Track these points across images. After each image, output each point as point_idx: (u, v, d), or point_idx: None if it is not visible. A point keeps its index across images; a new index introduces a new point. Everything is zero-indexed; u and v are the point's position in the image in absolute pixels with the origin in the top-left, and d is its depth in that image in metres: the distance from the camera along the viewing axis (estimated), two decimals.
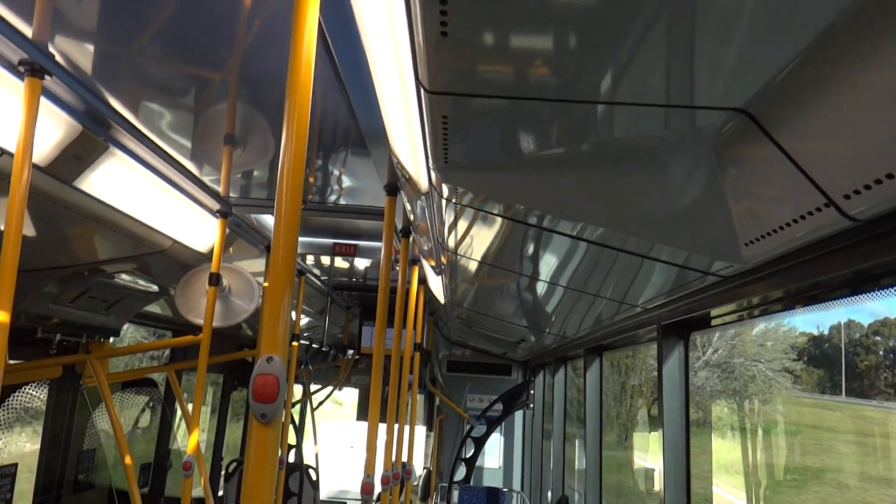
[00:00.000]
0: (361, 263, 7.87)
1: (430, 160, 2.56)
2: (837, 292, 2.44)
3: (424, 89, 1.93)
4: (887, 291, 2.18)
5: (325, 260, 7.68)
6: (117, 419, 5.38)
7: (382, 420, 4.89)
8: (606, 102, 1.94)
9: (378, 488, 4.75)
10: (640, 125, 2.12)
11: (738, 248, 2.45)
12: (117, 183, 3.73)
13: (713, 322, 3.61)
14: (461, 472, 9.81)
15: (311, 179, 4.55)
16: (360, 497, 4.07)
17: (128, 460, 5.26)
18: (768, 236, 2.23)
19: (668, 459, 3.74)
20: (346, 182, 4.61)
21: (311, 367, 9.30)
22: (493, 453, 11.91)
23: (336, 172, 4.42)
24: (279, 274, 1.66)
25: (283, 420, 1.63)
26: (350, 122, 3.28)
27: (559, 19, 1.54)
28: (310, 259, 7.65)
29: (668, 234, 2.68)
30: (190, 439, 4.89)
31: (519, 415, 11.70)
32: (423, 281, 7.14)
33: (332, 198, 4.94)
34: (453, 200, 3.06)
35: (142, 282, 5.53)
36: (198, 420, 4.81)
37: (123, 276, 5.27)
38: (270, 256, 1.70)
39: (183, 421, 8.05)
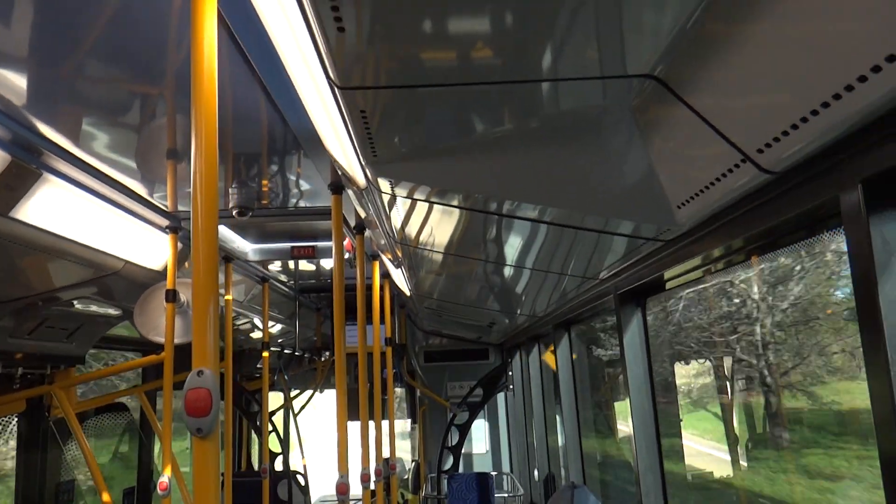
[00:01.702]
0: (327, 264, 7.82)
1: (360, 156, 2.56)
2: (772, 245, 2.47)
3: (336, 86, 1.93)
4: (811, 240, 2.21)
5: (292, 264, 7.64)
6: (87, 448, 5.34)
7: (354, 418, 4.89)
8: (518, 81, 1.95)
9: (358, 487, 4.76)
10: (556, 101, 2.14)
11: (672, 211, 2.47)
12: (56, 209, 3.68)
13: (667, 286, 3.64)
14: (448, 461, 9.82)
15: (264, 186, 4.52)
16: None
17: (103, 491, 5.21)
18: (696, 197, 2.25)
19: (637, 422, 3.78)
20: (296, 185, 4.59)
21: (286, 374, 9.27)
22: (480, 438, 11.95)
23: (282, 177, 4.39)
24: (202, 286, 1.65)
25: (220, 432, 1.61)
26: (281, 126, 3.26)
27: (455, 4, 1.54)
28: (277, 265, 7.60)
29: (607, 204, 2.70)
30: (164, 459, 4.86)
31: (502, 397, 11.74)
32: (387, 275, 7.13)
33: (291, 201, 4.92)
34: (394, 194, 3.05)
35: (101, 306, 5.47)
36: (170, 439, 4.78)
37: (81, 302, 5.21)
38: (192, 270, 1.68)
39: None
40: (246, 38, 2.27)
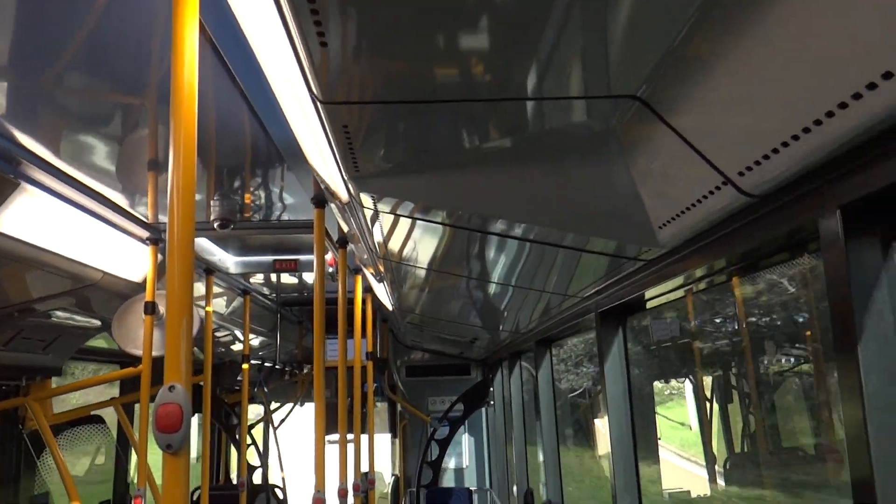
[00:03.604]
0: (310, 277, 7.79)
1: (342, 171, 2.55)
2: (753, 266, 2.48)
3: (319, 101, 1.92)
4: (791, 264, 2.22)
5: (274, 277, 7.60)
6: (62, 461, 5.27)
7: (335, 432, 4.86)
8: (502, 99, 1.95)
9: (335, 502, 4.72)
10: (540, 120, 2.13)
11: (653, 231, 2.47)
12: (34, 220, 3.65)
13: (647, 305, 3.64)
14: (427, 476, 9.78)
15: (247, 199, 4.50)
16: None
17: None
18: (678, 218, 2.25)
19: (615, 441, 3.77)
20: (279, 198, 4.57)
21: (265, 387, 9.20)
22: (462, 453, 11.91)
23: (265, 190, 4.37)
24: (176, 300, 1.63)
25: (189, 448, 1.59)
26: (264, 140, 3.25)
27: (439, 21, 1.54)
28: (259, 277, 7.56)
29: (589, 223, 2.70)
30: (139, 472, 4.81)
31: (488, 412, 11.72)
32: (370, 290, 7.11)
33: (274, 214, 4.89)
34: (376, 209, 3.05)
35: (78, 317, 5.41)
36: (145, 451, 4.73)
37: (58, 313, 5.16)
38: (167, 284, 1.67)
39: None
40: (229, 51, 2.26)
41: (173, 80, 1.69)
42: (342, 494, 4.81)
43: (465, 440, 11.94)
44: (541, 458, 6.75)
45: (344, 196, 3.03)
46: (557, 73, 1.79)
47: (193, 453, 10.41)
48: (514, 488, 8.59)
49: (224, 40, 2.22)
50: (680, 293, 3.18)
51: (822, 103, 1.37)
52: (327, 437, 4.08)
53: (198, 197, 4.42)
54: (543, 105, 2.00)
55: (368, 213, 3.18)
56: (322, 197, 3.86)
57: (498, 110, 2.07)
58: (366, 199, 2.85)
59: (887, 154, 1.44)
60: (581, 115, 2.08)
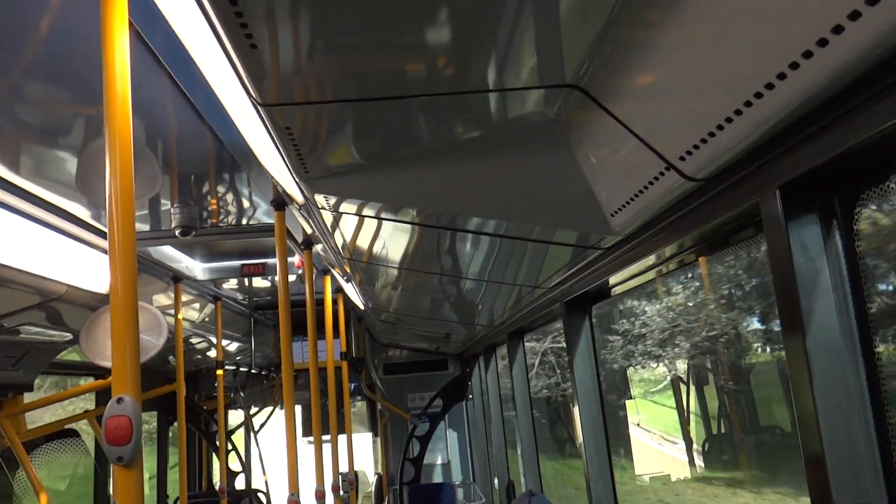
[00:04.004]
0: None
1: (293, 173, 2.53)
2: (708, 248, 2.49)
3: (258, 104, 1.90)
4: (738, 246, 2.24)
5: (246, 281, 7.56)
6: (36, 478, 5.21)
7: (309, 434, 4.84)
8: (442, 94, 1.94)
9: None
10: (484, 113, 2.13)
11: (606, 219, 2.48)
12: None
13: (612, 292, 3.65)
14: (410, 473, 9.78)
15: (211, 204, 4.46)
16: None
17: None
18: (628, 204, 2.26)
19: (586, 429, 3.78)
20: (239, 202, 4.53)
21: (242, 392, 9.16)
22: (443, 449, 11.91)
23: (226, 195, 4.34)
24: (120, 308, 1.61)
25: (141, 461, 1.57)
26: (217, 145, 3.22)
27: (370, 18, 1.53)
28: (232, 283, 7.51)
29: (545, 214, 2.70)
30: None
31: (468, 406, 11.72)
32: (341, 290, 7.09)
33: (237, 219, 4.85)
34: (334, 209, 3.03)
35: (49, 331, 5.35)
36: None
37: (27, 327, 5.09)
38: (110, 294, 1.65)
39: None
40: (168, 57, 2.23)
41: (105, 83, 1.67)
42: (319, 496, 4.80)
43: (447, 435, 11.94)
44: (519, 449, 6.76)
45: (299, 198, 3.01)
46: (496, 65, 1.79)
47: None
48: (496, 481, 8.61)
49: (161, 46, 2.19)
50: (643, 279, 3.19)
51: (751, 85, 1.38)
52: (305, 439, 4.06)
53: (164, 205, 4.38)
54: (485, 97, 2.00)
55: (325, 214, 3.17)
56: (281, 199, 3.84)
57: (441, 105, 2.06)
58: (320, 200, 2.84)
59: (818, 133, 1.45)
60: (524, 106, 2.08)
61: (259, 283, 7.79)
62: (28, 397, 6.03)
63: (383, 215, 3.07)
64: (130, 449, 1.56)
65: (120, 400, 1.57)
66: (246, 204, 4.48)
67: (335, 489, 5.79)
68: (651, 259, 2.71)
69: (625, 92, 1.76)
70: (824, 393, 1.59)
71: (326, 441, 5.68)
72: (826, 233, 1.63)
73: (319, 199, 2.80)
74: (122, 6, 1.66)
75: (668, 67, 1.56)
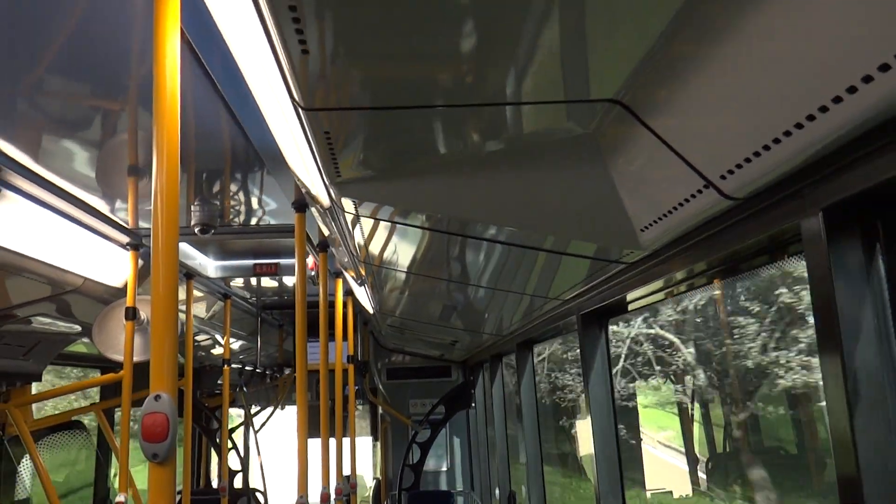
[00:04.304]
0: (290, 281, 7.77)
1: (324, 176, 2.54)
2: (735, 268, 2.49)
3: (300, 107, 1.91)
4: (770, 267, 2.24)
5: (255, 280, 7.58)
6: (43, 467, 5.22)
7: (316, 435, 4.85)
8: (482, 104, 1.95)
9: None
10: (520, 124, 2.14)
11: (635, 234, 2.48)
12: (13, 226, 3.61)
13: (629, 307, 3.65)
14: (409, 479, 9.76)
15: (227, 203, 4.47)
16: None
17: None
18: (660, 221, 2.26)
19: (598, 444, 3.77)
20: (259, 202, 4.55)
21: (245, 390, 9.17)
22: (445, 456, 11.89)
23: (245, 194, 4.36)
24: (161, 308, 1.62)
25: (177, 457, 1.58)
26: (245, 145, 3.24)
27: (420, 27, 1.53)
28: (240, 281, 7.53)
29: (571, 227, 2.70)
30: (121, 478, 4.77)
31: (471, 414, 11.70)
32: (351, 293, 7.10)
33: (254, 219, 4.87)
34: (357, 213, 3.04)
35: (59, 323, 5.36)
36: (127, 458, 4.69)
37: (38, 318, 5.10)
38: (152, 293, 1.65)
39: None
40: (209, 56, 2.25)
41: (155, 85, 1.68)
42: (325, 499, 4.80)
43: (448, 442, 11.92)
44: (523, 459, 6.75)
45: (325, 201, 3.02)
46: (537, 77, 1.80)
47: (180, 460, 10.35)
48: (497, 491, 8.59)
49: (204, 46, 2.21)
50: (661, 295, 3.19)
51: (804, 106, 1.38)
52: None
53: (180, 202, 4.38)
54: (523, 110, 2.00)
55: (349, 218, 3.18)
56: (303, 201, 3.86)
57: (478, 116, 2.07)
58: (347, 204, 2.85)
59: (868, 156, 1.46)
60: (561, 119, 2.08)
61: (266, 282, 7.81)
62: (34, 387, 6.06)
63: (405, 220, 3.08)
64: (166, 446, 1.56)
65: (157, 397, 1.58)
66: (265, 204, 4.49)
67: (338, 492, 5.79)
68: (677, 275, 2.71)
69: (668, 109, 1.77)
70: (861, 416, 1.59)
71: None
72: (868, 256, 1.63)
73: (346, 202, 2.80)
74: (175, 6, 1.67)
75: (718, 87, 1.56)
